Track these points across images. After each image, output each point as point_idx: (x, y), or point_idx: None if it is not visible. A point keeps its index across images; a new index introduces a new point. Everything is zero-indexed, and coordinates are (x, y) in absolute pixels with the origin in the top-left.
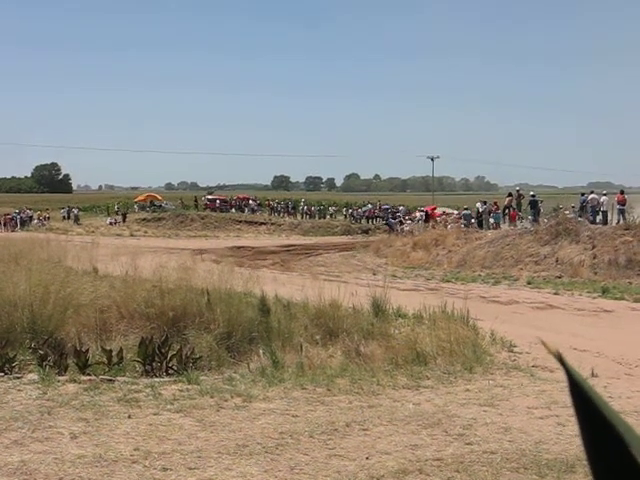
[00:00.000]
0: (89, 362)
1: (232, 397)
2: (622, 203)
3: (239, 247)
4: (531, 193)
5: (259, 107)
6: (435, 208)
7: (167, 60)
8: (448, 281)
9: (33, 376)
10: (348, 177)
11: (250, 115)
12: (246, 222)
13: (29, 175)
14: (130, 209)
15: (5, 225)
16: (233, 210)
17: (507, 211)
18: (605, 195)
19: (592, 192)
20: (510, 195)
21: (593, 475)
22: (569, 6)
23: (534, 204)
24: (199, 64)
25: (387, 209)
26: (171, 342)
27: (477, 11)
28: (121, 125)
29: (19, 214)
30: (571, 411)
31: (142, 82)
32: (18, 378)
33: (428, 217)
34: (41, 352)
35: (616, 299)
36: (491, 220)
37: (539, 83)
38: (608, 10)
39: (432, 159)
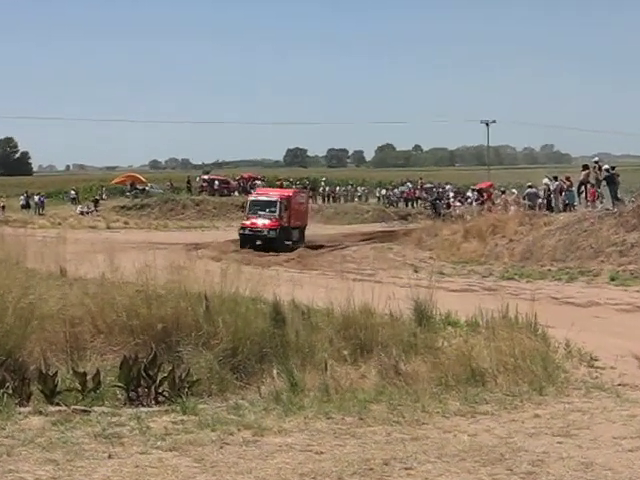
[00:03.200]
0: (58, 389)
1: (239, 430)
2: None
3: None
4: (605, 167)
5: (267, 65)
6: (491, 185)
7: (144, 8)
8: (510, 278)
9: None
10: (381, 149)
11: (255, 75)
12: None
13: None
14: (94, 194)
15: None
16: (236, 193)
17: (583, 188)
18: None
19: None
20: (586, 168)
21: None
22: None
23: (611, 179)
24: (187, 12)
25: (431, 188)
26: (161, 362)
27: None
28: (94, 91)
29: None
30: None
31: (121, 34)
32: None
33: (483, 197)
34: None
35: None
36: (563, 200)
37: (624, 32)
38: None
39: (487, 124)
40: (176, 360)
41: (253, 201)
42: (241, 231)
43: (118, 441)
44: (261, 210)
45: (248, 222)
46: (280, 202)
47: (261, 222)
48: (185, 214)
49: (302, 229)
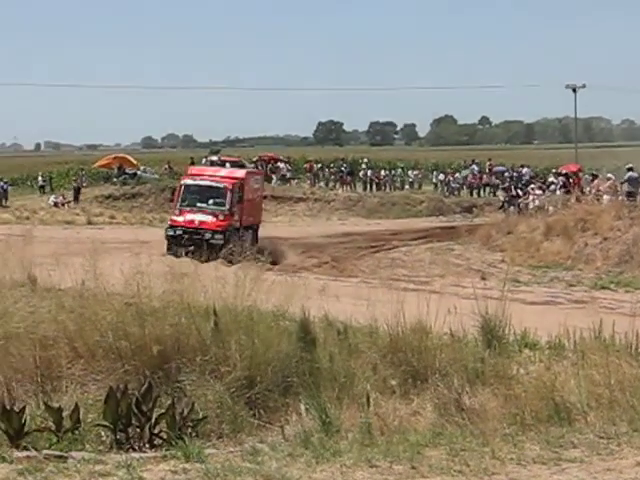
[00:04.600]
0: (26, 428)
1: None
2: None
3: (262, 238)
4: None
5: (294, 15)
6: (580, 169)
7: None
8: (604, 288)
9: None
10: (438, 122)
11: (277, 29)
12: (274, 197)
13: None
14: (72, 181)
15: None
16: None
17: None
18: None
19: None
20: None
21: None
22: None
23: None
24: None
25: (502, 172)
26: (157, 395)
27: None
28: (68, 50)
29: None
30: None
31: None
32: None
33: (570, 184)
34: None
35: None
36: None
37: None
38: None
39: (574, 90)
40: (176, 392)
41: (188, 187)
42: (170, 231)
43: None
44: (201, 201)
45: (181, 218)
46: (231, 190)
47: (201, 219)
48: None
49: (256, 229)
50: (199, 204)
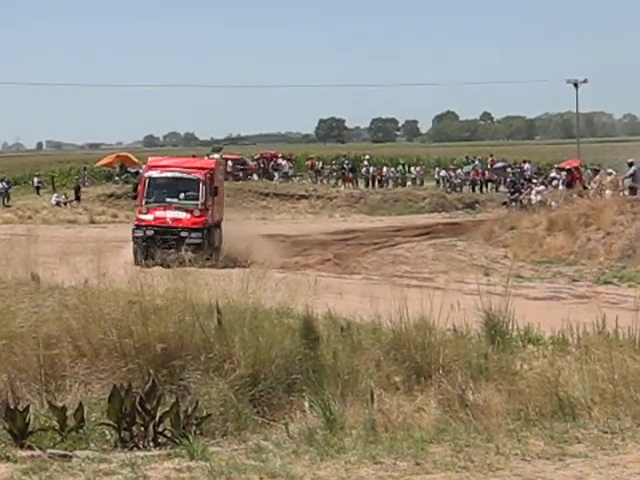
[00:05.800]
0: (30, 428)
1: (262, 479)
2: None
3: (265, 236)
4: None
5: (291, 12)
6: (582, 164)
7: None
8: (607, 282)
9: None
10: (440, 118)
11: (279, 26)
12: (276, 195)
13: None
14: (74, 180)
15: None
16: (255, 177)
17: None
18: None
19: None
20: None
21: None
22: None
23: None
24: None
25: (504, 168)
26: (161, 393)
27: None
28: (69, 48)
29: None
30: None
31: None
32: None
33: (572, 179)
34: None
35: None
36: None
37: None
38: None
39: (575, 85)
40: (180, 390)
41: (155, 180)
42: (138, 232)
43: None
44: (170, 196)
45: (150, 217)
46: (204, 182)
47: (173, 217)
48: None
49: (220, 226)
50: (168, 199)
